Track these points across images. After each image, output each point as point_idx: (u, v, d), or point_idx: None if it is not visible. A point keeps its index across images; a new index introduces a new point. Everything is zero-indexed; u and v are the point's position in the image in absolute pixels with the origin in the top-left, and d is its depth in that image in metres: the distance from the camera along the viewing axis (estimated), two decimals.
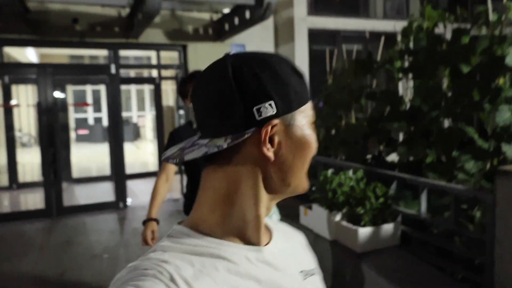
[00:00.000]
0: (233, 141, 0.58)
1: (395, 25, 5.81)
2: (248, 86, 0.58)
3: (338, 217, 3.30)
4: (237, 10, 5.64)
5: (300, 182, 0.66)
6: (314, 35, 6.80)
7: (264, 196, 0.63)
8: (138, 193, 7.39)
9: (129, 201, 6.57)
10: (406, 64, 3.91)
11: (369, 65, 4.46)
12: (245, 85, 0.58)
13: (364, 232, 2.99)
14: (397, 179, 3.23)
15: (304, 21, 6.56)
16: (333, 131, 5.10)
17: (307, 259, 0.78)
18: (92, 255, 4.53)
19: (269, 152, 0.60)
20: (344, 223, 3.19)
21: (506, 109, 2.73)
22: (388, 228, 3.06)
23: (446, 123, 3.44)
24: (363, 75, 4.55)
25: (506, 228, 2.33)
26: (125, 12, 5.86)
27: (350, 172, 3.59)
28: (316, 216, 3.55)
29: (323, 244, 3.39)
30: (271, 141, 0.60)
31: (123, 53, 8.50)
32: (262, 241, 0.66)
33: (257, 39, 6.77)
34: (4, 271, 4.16)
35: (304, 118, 0.63)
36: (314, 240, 3.59)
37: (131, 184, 7.89)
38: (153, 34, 6.17)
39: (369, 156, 4.35)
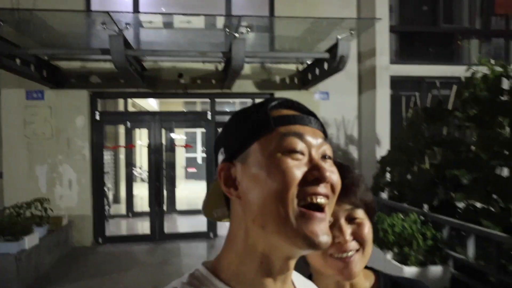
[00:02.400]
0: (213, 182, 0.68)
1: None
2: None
3: (389, 256, 3.42)
4: (318, 61, 6.16)
5: (286, 228, 0.57)
6: (397, 82, 6.94)
7: (256, 245, 0.61)
8: (228, 226, 8.09)
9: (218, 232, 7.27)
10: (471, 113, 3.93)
11: (439, 112, 4.52)
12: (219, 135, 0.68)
13: (409, 271, 3.09)
14: (448, 223, 3.27)
15: (386, 69, 6.77)
16: (408, 176, 5.15)
17: None
18: (182, 274, 5.21)
19: (231, 193, 0.62)
20: (393, 261, 3.31)
21: None
22: (435, 270, 3.11)
23: (506, 172, 3.38)
24: (433, 122, 4.61)
25: None
26: (220, 66, 6.81)
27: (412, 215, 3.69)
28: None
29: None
30: (235, 182, 0.62)
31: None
32: None
33: (342, 86, 7.14)
34: (112, 279, 5.10)
35: (261, 153, 0.60)
36: None
37: None
38: (244, 85, 7.00)
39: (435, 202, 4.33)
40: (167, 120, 7.55)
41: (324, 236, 0.56)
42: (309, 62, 6.74)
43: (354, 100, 7.34)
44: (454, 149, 3.97)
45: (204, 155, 18.55)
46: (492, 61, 3.79)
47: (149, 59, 6.63)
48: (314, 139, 0.61)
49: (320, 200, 0.58)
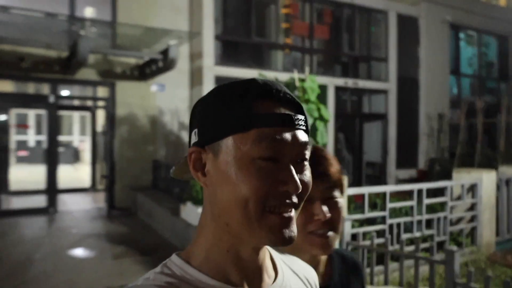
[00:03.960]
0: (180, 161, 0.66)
1: (282, 76, 7.80)
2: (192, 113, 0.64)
3: (200, 210, 4.90)
4: (153, 59, 7.35)
5: (250, 229, 0.57)
6: (220, 81, 8.61)
7: (222, 236, 0.60)
8: (68, 203, 8.71)
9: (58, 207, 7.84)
10: None
11: None
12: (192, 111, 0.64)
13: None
14: None
15: (211, 69, 8.36)
16: None
17: None
18: (24, 243, 5.83)
19: (199, 178, 0.61)
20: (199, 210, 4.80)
21: None
22: None
23: None
24: None
25: None
26: (64, 54, 7.36)
27: None
28: (189, 210, 5.16)
29: (192, 229, 5.00)
30: (204, 169, 0.60)
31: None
32: (246, 283, 0.62)
33: (176, 80, 8.45)
34: None
35: (234, 152, 0.56)
36: (186, 228, 5.18)
37: (64, 197, 9.16)
38: (87, 73, 7.68)
39: None
40: (6, 101, 7.67)
41: (289, 234, 0.57)
42: (147, 58, 7.85)
43: (186, 93, 8.75)
44: None
45: (39, 138, 17.64)
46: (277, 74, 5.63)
47: None
48: (293, 144, 0.58)
49: (289, 209, 0.58)
